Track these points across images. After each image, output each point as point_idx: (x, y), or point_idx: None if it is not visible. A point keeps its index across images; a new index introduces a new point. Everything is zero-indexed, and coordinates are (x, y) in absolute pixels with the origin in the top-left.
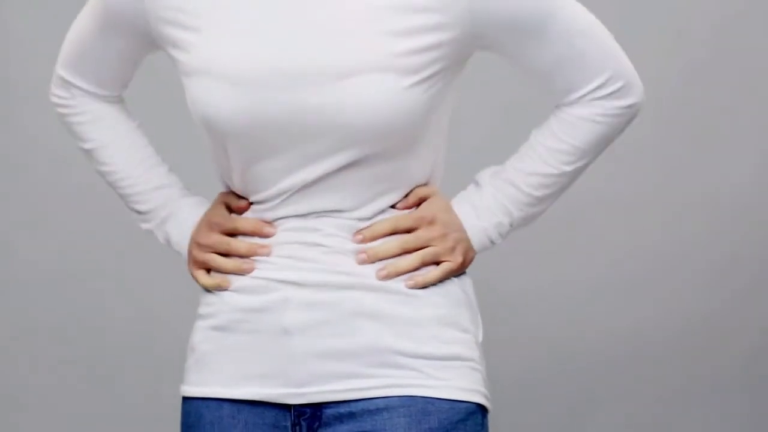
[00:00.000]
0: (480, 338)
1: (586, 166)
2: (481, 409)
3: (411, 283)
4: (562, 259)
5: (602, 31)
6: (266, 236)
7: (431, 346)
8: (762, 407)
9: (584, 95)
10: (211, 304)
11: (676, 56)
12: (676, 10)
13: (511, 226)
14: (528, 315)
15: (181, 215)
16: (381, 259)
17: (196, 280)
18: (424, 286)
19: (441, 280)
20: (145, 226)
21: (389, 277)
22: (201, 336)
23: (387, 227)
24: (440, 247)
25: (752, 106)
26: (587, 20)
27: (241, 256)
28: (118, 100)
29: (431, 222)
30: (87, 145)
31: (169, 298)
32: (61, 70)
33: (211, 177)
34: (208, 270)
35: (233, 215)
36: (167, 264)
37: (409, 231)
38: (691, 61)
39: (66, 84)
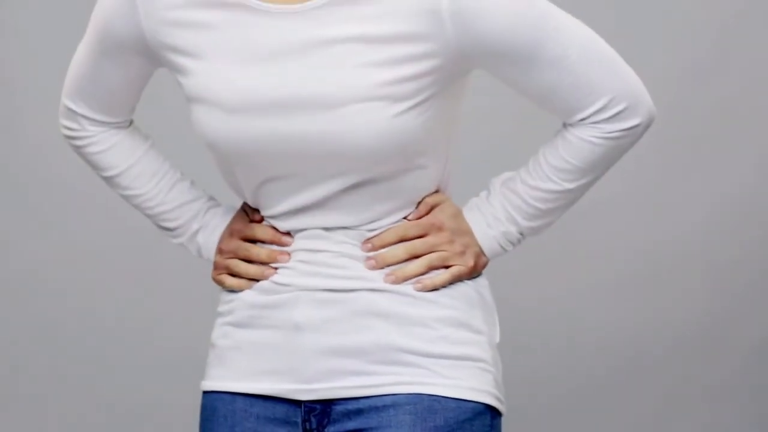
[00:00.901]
0: (496, 339)
1: (591, 183)
2: (491, 411)
3: (419, 286)
4: (562, 260)
5: (603, 51)
6: (284, 245)
7: (440, 346)
8: (762, 408)
9: (585, 118)
10: (229, 301)
11: (676, 56)
12: (676, 10)
13: (520, 234)
14: (527, 315)
15: (210, 226)
16: (389, 265)
17: (221, 284)
18: (433, 289)
19: (450, 282)
20: (176, 241)
21: (396, 281)
22: (220, 332)
23: (395, 235)
24: (448, 251)
25: (752, 106)
26: (586, 41)
27: (262, 263)
28: (128, 124)
29: (439, 228)
30: (106, 173)
31: (169, 298)
32: (67, 101)
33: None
34: (231, 275)
35: (253, 224)
36: (168, 264)
37: (418, 238)
38: (691, 61)
39: (73, 115)
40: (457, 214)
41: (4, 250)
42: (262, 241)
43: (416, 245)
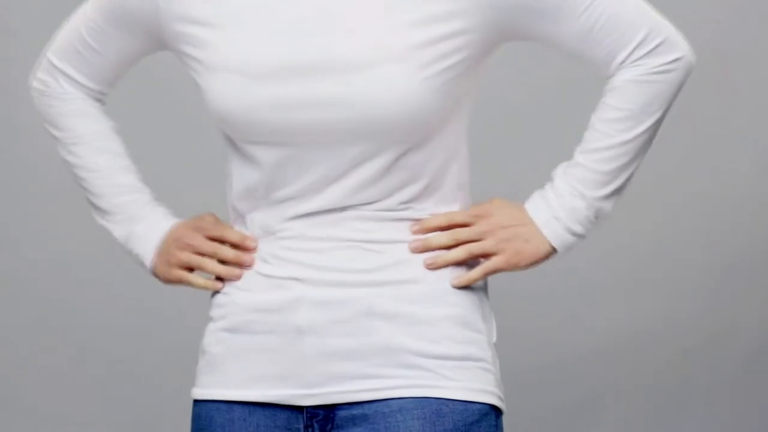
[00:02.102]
0: (494, 338)
1: (648, 129)
2: (495, 411)
3: (455, 282)
4: (561, 260)
5: None
6: (248, 250)
7: (444, 346)
8: (762, 408)
9: (626, 59)
10: (222, 305)
11: None
12: (676, 10)
13: (590, 212)
14: (526, 315)
15: (152, 217)
16: (432, 249)
17: (184, 281)
18: (468, 285)
19: (483, 277)
20: (101, 221)
21: (436, 266)
22: (212, 338)
23: (442, 220)
24: (490, 241)
25: (752, 106)
26: None
27: (226, 263)
28: (101, 99)
29: (486, 218)
30: (65, 135)
31: (170, 298)
32: (52, 57)
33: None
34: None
35: (222, 224)
36: None
37: (464, 226)
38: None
39: (55, 70)
40: (510, 205)
41: (4, 250)
42: (231, 242)
43: (461, 233)
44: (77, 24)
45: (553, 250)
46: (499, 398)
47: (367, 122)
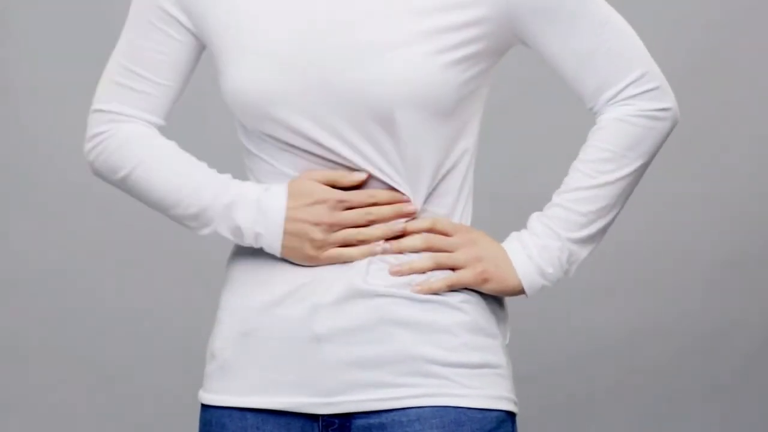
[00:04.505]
0: (507, 340)
1: (629, 175)
2: (510, 416)
3: (417, 288)
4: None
5: (633, 32)
6: (402, 200)
7: (461, 354)
8: (762, 408)
9: (617, 94)
10: (234, 308)
11: (676, 56)
12: (676, 10)
13: (563, 253)
14: (527, 316)
15: (253, 195)
16: (402, 252)
17: (342, 259)
18: (430, 293)
19: (446, 288)
20: (204, 231)
21: (402, 273)
22: (223, 342)
23: (427, 222)
24: (461, 255)
25: (752, 106)
26: (618, 18)
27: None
28: (158, 127)
29: (467, 233)
30: (124, 171)
31: (170, 298)
32: (97, 105)
33: None
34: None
35: (352, 192)
36: (168, 266)
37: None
38: (691, 60)
39: (104, 115)
40: (493, 241)
41: (4, 250)
42: (381, 203)
43: (433, 239)
44: (111, 65)
45: (522, 290)
46: (514, 403)
47: (380, 105)
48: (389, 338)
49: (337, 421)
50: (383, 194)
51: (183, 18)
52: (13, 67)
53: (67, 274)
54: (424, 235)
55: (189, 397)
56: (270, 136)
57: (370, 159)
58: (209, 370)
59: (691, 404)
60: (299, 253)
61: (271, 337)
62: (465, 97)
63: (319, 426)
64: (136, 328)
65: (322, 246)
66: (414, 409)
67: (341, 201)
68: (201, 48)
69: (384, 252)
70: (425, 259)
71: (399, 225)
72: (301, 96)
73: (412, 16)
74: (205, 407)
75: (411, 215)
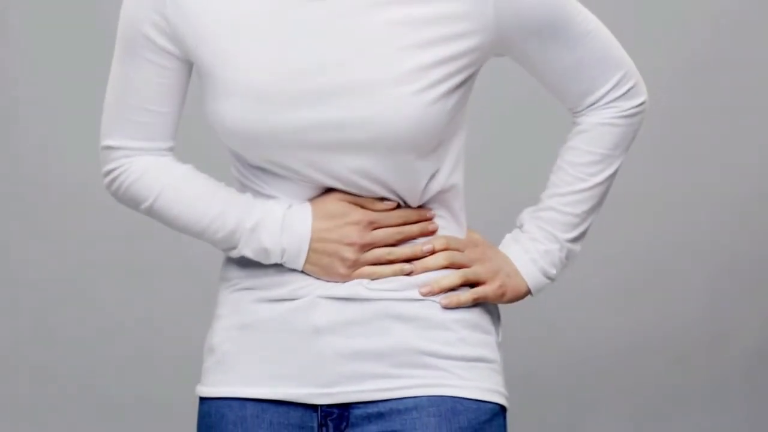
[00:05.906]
0: (500, 338)
1: (614, 172)
2: (502, 410)
3: (445, 302)
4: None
5: (608, 33)
6: (426, 217)
7: (459, 348)
8: (762, 408)
9: (599, 99)
10: (233, 303)
11: (676, 55)
12: (676, 9)
13: (562, 253)
14: (527, 316)
15: (277, 213)
16: (428, 270)
17: (370, 276)
18: (458, 307)
19: (473, 302)
20: (233, 253)
21: (432, 293)
22: (222, 336)
23: (442, 243)
24: (481, 268)
25: (752, 105)
26: (597, 23)
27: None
28: (169, 153)
29: (476, 245)
30: (148, 202)
31: (170, 299)
32: (106, 141)
33: None
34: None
35: (383, 213)
36: (168, 266)
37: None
38: (691, 60)
39: (114, 152)
40: (494, 246)
41: (4, 250)
42: (408, 223)
43: (457, 256)
44: (110, 91)
45: (528, 292)
46: (506, 398)
47: (373, 145)
48: (388, 331)
49: (336, 410)
50: (412, 214)
51: (170, 47)
52: (13, 68)
53: (67, 274)
54: (446, 252)
55: (189, 397)
56: (258, 167)
57: (364, 188)
58: (208, 365)
59: (690, 404)
60: (330, 270)
61: (271, 329)
62: (453, 117)
63: (318, 415)
64: (135, 330)
65: (353, 265)
66: (411, 399)
67: (372, 222)
68: (192, 64)
69: (412, 273)
70: (453, 276)
71: (428, 246)
72: (292, 135)
73: (402, 54)
74: (203, 400)
75: (434, 233)
